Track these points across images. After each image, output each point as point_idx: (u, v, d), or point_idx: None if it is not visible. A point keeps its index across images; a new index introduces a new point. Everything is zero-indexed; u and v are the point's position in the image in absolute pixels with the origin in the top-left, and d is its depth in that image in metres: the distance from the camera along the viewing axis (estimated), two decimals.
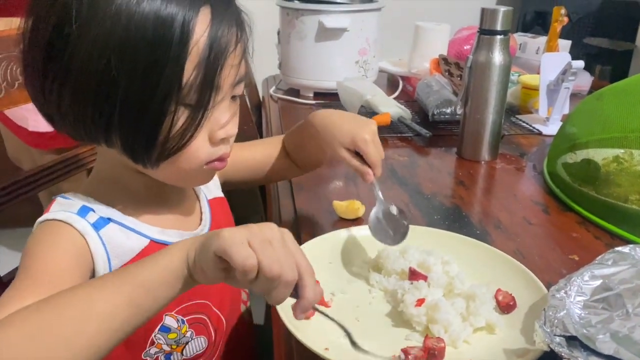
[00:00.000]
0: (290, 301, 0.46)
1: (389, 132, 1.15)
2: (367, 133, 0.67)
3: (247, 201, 1.73)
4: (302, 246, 0.66)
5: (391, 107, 1.17)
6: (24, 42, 0.52)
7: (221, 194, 0.74)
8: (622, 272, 0.55)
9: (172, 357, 0.62)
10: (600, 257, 0.58)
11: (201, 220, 0.67)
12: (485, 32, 0.97)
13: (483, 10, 0.97)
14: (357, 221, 0.80)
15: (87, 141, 0.55)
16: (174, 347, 0.62)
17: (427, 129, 1.12)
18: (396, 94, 1.47)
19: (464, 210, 0.85)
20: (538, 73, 1.20)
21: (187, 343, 0.63)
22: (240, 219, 0.64)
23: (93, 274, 0.54)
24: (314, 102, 1.40)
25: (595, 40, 2.08)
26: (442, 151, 1.10)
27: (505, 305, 0.59)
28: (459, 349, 0.54)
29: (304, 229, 0.78)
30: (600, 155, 0.87)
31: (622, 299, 0.52)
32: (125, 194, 0.59)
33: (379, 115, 1.15)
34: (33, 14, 0.51)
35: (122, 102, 0.49)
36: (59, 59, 0.49)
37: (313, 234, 0.71)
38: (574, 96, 1.29)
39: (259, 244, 0.43)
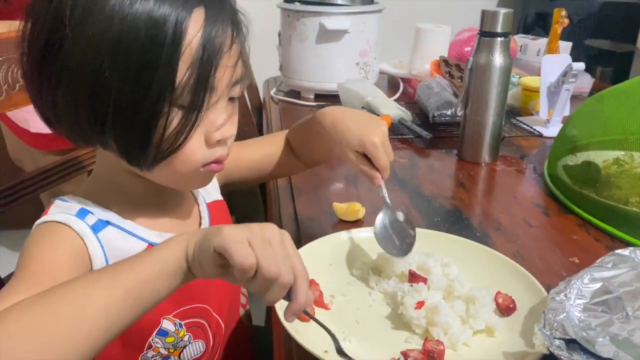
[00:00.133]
0: (285, 302, 0.47)
1: (390, 134, 1.13)
2: (376, 135, 0.66)
3: (247, 202, 1.73)
4: (302, 248, 0.66)
5: (392, 109, 1.17)
6: (23, 45, 0.52)
7: (220, 197, 0.74)
8: (622, 275, 0.55)
9: None
10: (600, 259, 0.57)
11: (200, 224, 0.67)
12: (486, 34, 0.97)
13: (483, 12, 0.97)
14: (357, 223, 0.79)
15: (84, 144, 0.55)
16: (171, 350, 0.61)
17: (428, 130, 1.12)
18: (397, 95, 1.47)
19: (464, 212, 0.84)
20: (539, 75, 1.20)
21: (184, 347, 0.63)
22: (240, 220, 0.64)
23: None
24: (314, 103, 1.40)
25: (596, 42, 2.08)
26: (443, 153, 1.10)
27: (505, 308, 0.59)
28: (458, 352, 0.54)
29: (304, 230, 0.78)
30: (601, 157, 0.87)
31: (622, 302, 0.52)
32: (124, 197, 0.59)
33: (380, 117, 1.15)
34: (31, 17, 0.51)
35: (116, 103, 0.49)
36: (54, 61, 0.49)
37: (313, 236, 0.71)
38: (575, 98, 1.29)
39: (259, 244, 0.44)
